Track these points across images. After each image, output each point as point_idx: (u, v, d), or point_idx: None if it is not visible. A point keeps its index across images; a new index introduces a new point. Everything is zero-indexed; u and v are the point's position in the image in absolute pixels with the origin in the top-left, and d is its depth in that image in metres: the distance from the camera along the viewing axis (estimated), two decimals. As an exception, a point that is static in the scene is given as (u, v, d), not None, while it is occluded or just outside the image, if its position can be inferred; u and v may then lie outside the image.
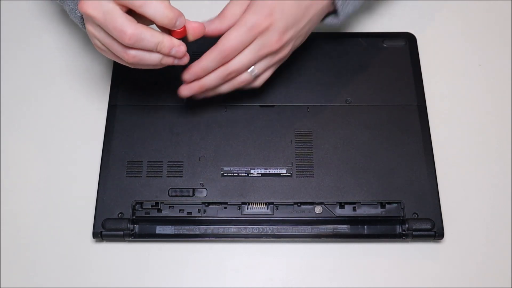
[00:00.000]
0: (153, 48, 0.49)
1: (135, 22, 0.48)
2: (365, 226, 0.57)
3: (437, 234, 0.56)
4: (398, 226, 0.56)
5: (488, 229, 0.58)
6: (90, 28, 0.51)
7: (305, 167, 0.59)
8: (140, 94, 0.63)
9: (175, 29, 0.49)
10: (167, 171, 0.58)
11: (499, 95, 0.65)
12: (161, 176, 0.58)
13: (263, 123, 0.61)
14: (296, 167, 0.59)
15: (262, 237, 0.56)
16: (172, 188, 0.58)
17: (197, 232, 0.56)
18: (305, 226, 0.56)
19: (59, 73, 0.67)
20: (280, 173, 0.58)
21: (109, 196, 0.57)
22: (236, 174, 0.58)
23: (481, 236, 0.58)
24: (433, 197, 0.57)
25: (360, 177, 0.58)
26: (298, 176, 0.58)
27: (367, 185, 0.58)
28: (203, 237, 0.56)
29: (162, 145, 0.60)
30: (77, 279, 0.56)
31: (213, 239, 0.56)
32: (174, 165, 0.59)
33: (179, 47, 0.50)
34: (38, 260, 0.57)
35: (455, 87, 0.66)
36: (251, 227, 0.56)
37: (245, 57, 0.53)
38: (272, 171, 0.58)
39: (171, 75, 0.63)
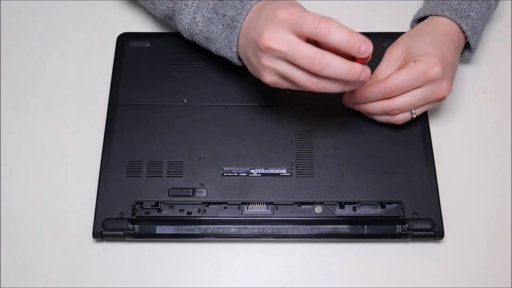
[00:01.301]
0: (341, 76, 0.48)
1: (321, 49, 0.48)
2: (365, 226, 0.57)
3: (437, 234, 0.56)
4: (398, 226, 0.56)
5: (488, 229, 0.58)
6: (268, 62, 0.51)
7: (305, 167, 0.59)
8: (140, 94, 0.63)
9: (360, 56, 0.48)
10: (167, 171, 0.58)
11: (499, 95, 0.65)
12: (161, 176, 0.58)
13: (263, 123, 0.61)
14: (296, 167, 0.59)
15: (262, 237, 0.56)
16: (172, 188, 0.58)
17: (197, 232, 0.56)
18: (305, 226, 0.56)
19: (59, 73, 0.67)
20: (280, 173, 0.58)
21: (109, 196, 0.57)
22: (236, 174, 0.58)
23: (481, 236, 0.58)
24: (433, 197, 0.57)
25: (360, 177, 0.58)
26: (298, 176, 0.58)
27: (367, 185, 0.58)
28: (203, 237, 0.56)
29: (162, 145, 0.60)
30: (77, 279, 0.56)
31: (213, 239, 0.56)
32: (174, 165, 0.59)
33: (366, 71, 0.50)
34: (38, 260, 0.57)
35: (455, 87, 0.66)
36: (251, 227, 0.56)
37: (412, 98, 0.56)
38: (272, 171, 0.58)
39: (171, 75, 0.64)
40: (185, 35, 0.60)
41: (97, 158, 0.59)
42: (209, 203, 0.57)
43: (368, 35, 0.66)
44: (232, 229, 0.57)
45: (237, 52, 0.56)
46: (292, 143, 0.60)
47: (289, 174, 0.58)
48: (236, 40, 0.55)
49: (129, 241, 0.57)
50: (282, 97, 0.62)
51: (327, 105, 0.62)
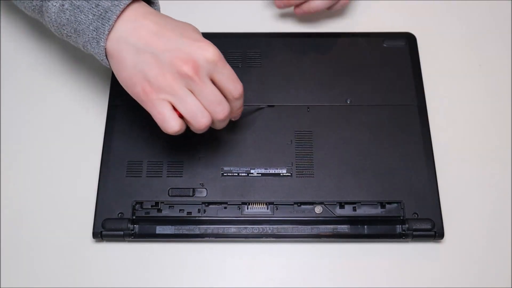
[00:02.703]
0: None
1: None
2: (365, 226, 0.57)
3: (437, 234, 0.56)
4: (398, 226, 0.56)
5: (488, 229, 0.58)
6: (177, 83, 0.49)
7: (305, 167, 0.59)
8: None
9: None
10: (167, 171, 0.58)
11: (499, 95, 0.65)
12: (161, 176, 0.58)
13: (263, 123, 0.61)
14: (296, 167, 0.59)
15: (262, 237, 0.56)
16: (172, 188, 0.58)
17: (197, 232, 0.56)
18: (305, 226, 0.56)
19: (59, 72, 0.67)
20: (280, 173, 0.58)
21: (109, 196, 0.57)
22: (236, 174, 0.58)
23: (481, 236, 0.58)
24: (433, 197, 0.57)
25: (360, 177, 0.58)
26: (298, 176, 0.58)
27: (367, 185, 0.58)
28: (203, 237, 0.56)
29: (162, 145, 0.60)
30: (77, 279, 0.56)
31: (213, 239, 0.56)
32: (174, 165, 0.59)
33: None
34: (38, 260, 0.57)
35: (455, 87, 0.66)
36: (251, 227, 0.56)
37: None
38: (272, 171, 0.59)
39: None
40: (53, 30, 0.53)
41: (97, 158, 0.59)
42: (209, 203, 0.57)
43: (368, 35, 0.67)
44: (232, 229, 0.57)
45: (106, 49, 0.50)
46: (292, 143, 0.60)
47: (289, 174, 0.58)
48: (106, 33, 0.49)
49: (129, 241, 0.57)
50: (282, 97, 0.62)
51: (327, 105, 0.62)
